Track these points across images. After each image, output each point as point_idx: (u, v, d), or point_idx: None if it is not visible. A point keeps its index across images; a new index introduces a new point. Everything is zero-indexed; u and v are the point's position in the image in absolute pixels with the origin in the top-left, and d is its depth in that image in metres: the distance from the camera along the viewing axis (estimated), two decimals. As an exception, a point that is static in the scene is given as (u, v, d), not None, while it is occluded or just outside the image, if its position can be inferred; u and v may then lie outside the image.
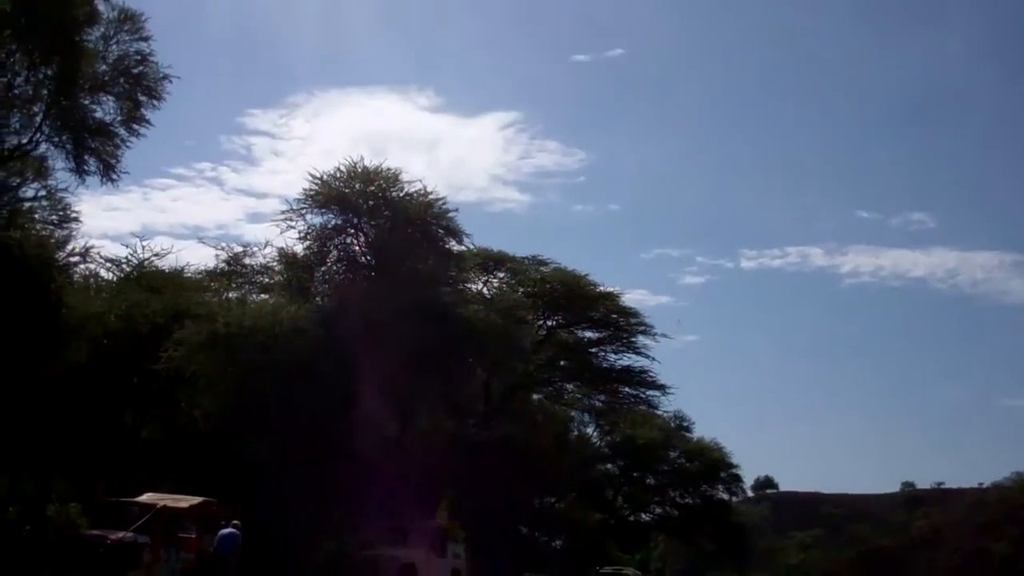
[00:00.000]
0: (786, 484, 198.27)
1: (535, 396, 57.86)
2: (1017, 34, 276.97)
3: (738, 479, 72.90)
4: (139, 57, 34.11)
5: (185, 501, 27.61)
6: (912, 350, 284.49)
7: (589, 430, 67.81)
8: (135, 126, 34.44)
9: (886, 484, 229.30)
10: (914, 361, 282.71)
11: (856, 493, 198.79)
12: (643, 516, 72.87)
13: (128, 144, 34.42)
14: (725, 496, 72.37)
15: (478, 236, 62.19)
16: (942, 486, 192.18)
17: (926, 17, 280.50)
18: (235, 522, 27.38)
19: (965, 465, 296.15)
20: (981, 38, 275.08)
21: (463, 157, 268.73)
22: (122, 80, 34.03)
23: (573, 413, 64.12)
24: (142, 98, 34.30)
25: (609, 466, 69.35)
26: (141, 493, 29.23)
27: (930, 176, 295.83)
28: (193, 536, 26.68)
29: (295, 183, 37.09)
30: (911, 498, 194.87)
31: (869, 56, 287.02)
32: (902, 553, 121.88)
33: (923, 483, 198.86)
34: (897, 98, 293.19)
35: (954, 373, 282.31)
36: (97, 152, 33.66)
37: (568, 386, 59.07)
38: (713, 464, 69.23)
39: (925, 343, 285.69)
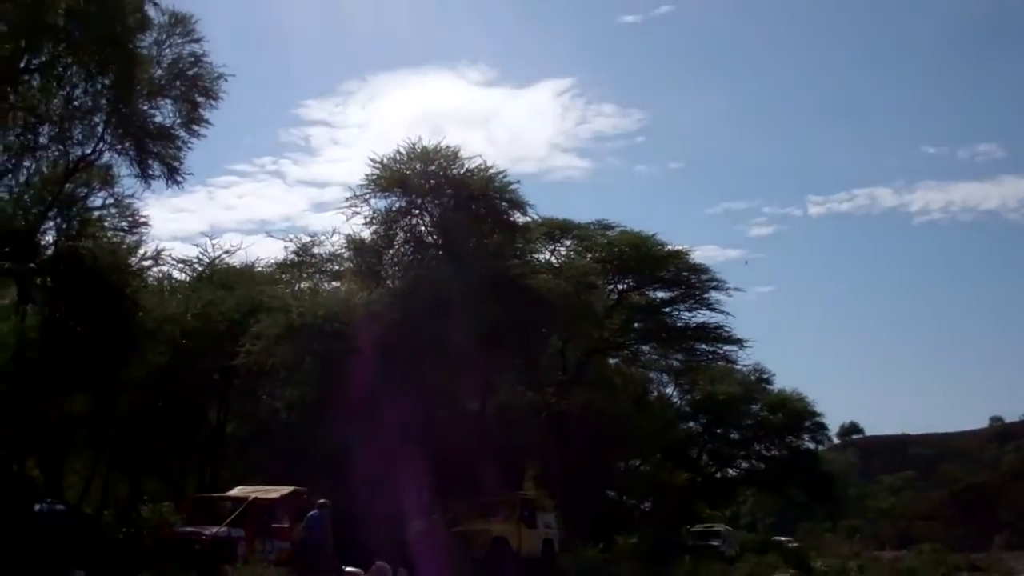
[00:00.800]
0: (872, 428, 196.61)
1: (611, 361, 57.72)
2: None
3: (823, 427, 72.15)
4: (193, 59, 34.46)
5: (275, 492, 28.03)
6: (988, 283, 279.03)
7: (668, 390, 67.51)
8: (195, 127, 34.83)
9: (974, 420, 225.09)
10: (991, 294, 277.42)
11: (944, 432, 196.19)
12: (730, 472, 72.40)
13: (189, 145, 34.85)
14: (811, 445, 71.68)
15: (541, 206, 62.18)
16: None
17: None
18: (321, 501, 27.66)
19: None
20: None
21: (520, 128, 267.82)
22: (178, 83, 34.39)
23: (651, 375, 63.89)
24: (199, 99, 34.64)
25: (692, 424, 68.99)
26: (231, 488, 29.71)
27: (995, 105, 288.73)
28: (286, 526, 27.00)
29: (356, 170, 37.67)
30: (1000, 432, 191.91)
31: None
32: (994, 488, 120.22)
33: (1011, 416, 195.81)
34: (950, 26, 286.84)
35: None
36: (160, 156, 34.07)
37: (644, 348, 58.79)
38: (796, 414, 68.55)
39: (1001, 275, 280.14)
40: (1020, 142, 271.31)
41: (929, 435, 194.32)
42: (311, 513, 27.24)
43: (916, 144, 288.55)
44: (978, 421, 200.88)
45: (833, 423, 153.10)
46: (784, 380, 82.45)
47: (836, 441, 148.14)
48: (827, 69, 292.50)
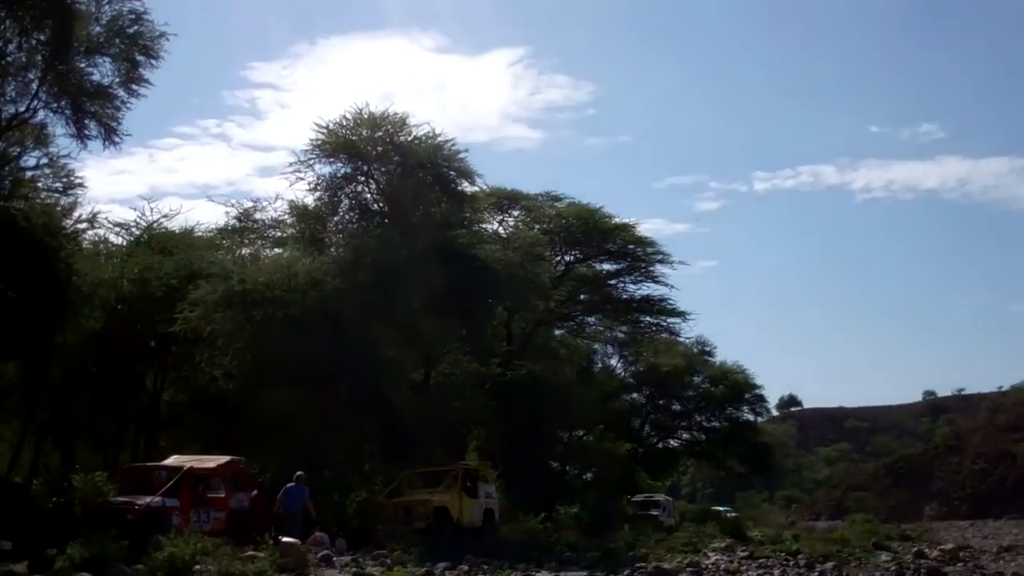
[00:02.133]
0: (810, 401, 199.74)
1: (557, 332, 57.77)
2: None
3: (762, 400, 72.96)
4: (133, 16, 33.31)
5: (212, 461, 27.52)
6: (927, 260, 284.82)
7: (613, 361, 68.03)
8: (134, 87, 33.72)
9: (908, 394, 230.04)
10: (929, 271, 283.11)
11: (879, 405, 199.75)
12: (671, 443, 73.04)
13: (128, 106, 33.81)
14: (750, 417, 72.40)
15: (491, 175, 61.89)
16: (962, 392, 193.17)
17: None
18: (299, 474, 27.51)
19: (984, 371, 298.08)
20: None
21: (472, 97, 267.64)
22: (117, 41, 33.28)
23: (596, 346, 64.27)
24: (139, 58, 33.54)
25: (635, 396, 69.47)
26: (166, 457, 29.14)
27: (937, 86, 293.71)
28: (223, 495, 26.57)
29: (303, 135, 37.01)
30: (933, 406, 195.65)
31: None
32: (926, 461, 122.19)
33: (944, 391, 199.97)
34: (899, 9, 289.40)
35: (969, 281, 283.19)
36: (97, 116, 33.09)
37: (589, 319, 59.00)
38: (737, 386, 69.15)
39: (939, 253, 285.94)
40: (961, 123, 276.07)
41: (865, 408, 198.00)
42: (288, 486, 27.45)
43: (860, 123, 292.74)
44: (912, 395, 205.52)
45: (772, 395, 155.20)
46: (725, 353, 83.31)
47: (775, 413, 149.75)
48: (776, 48, 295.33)
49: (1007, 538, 59.99)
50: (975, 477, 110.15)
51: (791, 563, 33.23)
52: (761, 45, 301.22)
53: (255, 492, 27.81)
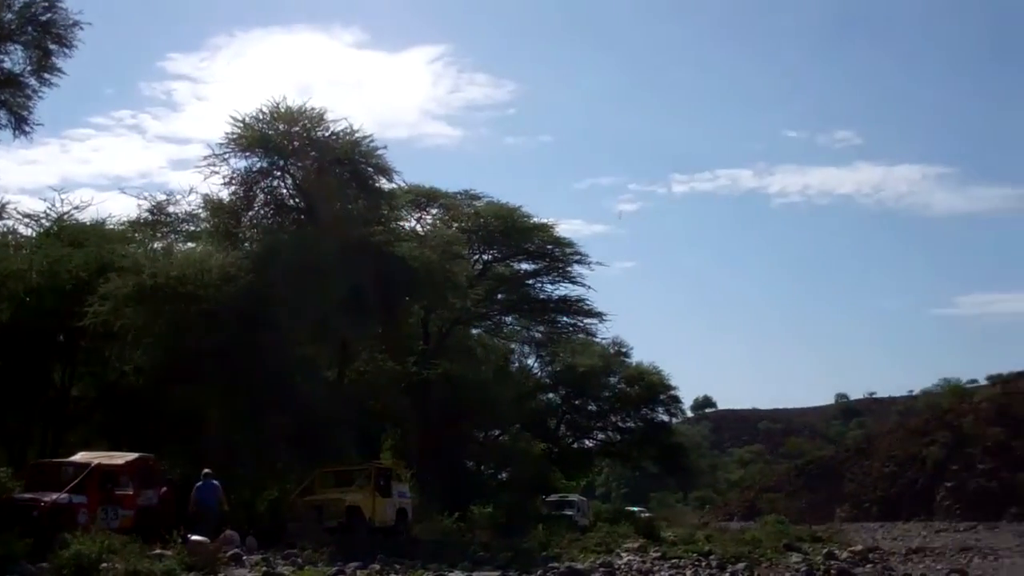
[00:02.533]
0: (724, 403, 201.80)
1: (474, 331, 57.72)
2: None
3: (677, 401, 73.66)
4: (46, 4, 32.72)
5: (120, 458, 27.13)
6: (841, 265, 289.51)
7: (530, 361, 68.11)
8: (46, 76, 33.17)
9: (821, 397, 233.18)
10: (843, 276, 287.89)
11: (792, 407, 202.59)
12: (586, 443, 73.38)
13: (40, 95, 33.26)
14: (665, 418, 72.99)
15: (410, 173, 61.74)
16: (874, 396, 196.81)
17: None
18: (207, 471, 27.33)
19: (896, 375, 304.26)
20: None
21: (391, 93, 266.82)
22: (29, 28, 32.66)
23: (513, 345, 64.32)
24: (52, 46, 32.97)
25: (551, 396, 69.71)
26: (74, 452, 28.67)
27: (853, 94, 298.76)
28: (131, 493, 26.19)
29: (219, 127, 36.59)
30: (845, 409, 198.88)
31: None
32: (838, 463, 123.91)
33: (856, 394, 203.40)
34: (817, 17, 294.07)
35: (882, 286, 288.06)
36: (7, 104, 32.51)
37: (507, 319, 59.02)
38: (652, 387, 69.69)
39: (853, 258, 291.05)
40: (876, 130, 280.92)
41: (778, 410, 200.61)
42: (199, 484, 27.52)
43: (778, 128, 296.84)
44: (825, 398, 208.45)
45: (687, 397, 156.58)
46: (642, 354, 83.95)
47: (690, 414, 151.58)
48: (695, 52, 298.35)
49: (916, 540, 61.41)
50: (885, 480, 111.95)
51: (703, 564, 33.67)
52: (680, 48, 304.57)
53: (164, 489, 27.46)
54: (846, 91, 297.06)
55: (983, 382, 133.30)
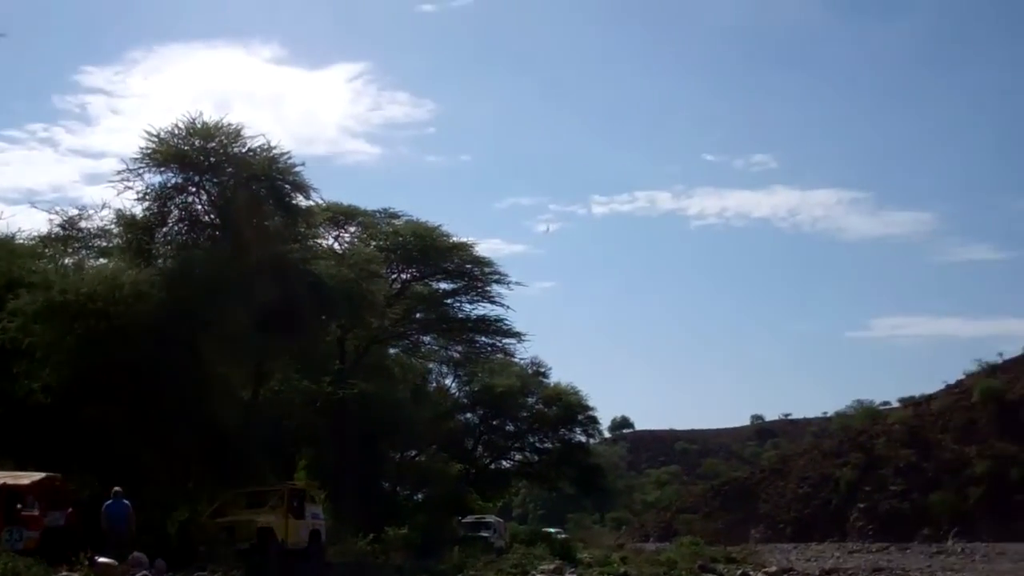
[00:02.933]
0: (642, 424, 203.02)
1: (391, 350, 57.43)
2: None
3: (595, 421, 73.69)
4: (-46, 13, 32.09)
5: (26, 478, 26.64)
6: (758, 287, 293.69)
7: (448, 381, 67.88)
8: (-45, 86, 32.51)
9: (737, 418, 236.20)
10: (760, 298, 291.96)
11: (709, 428, 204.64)
12: (503, 463, 73.23)
13: (-53, 107, 32.52)
14: (583, 439, 73.03)
15: (329, 190, 61.22)
16: (789, 417, 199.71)
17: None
18: (117, 489, 26.81)
19: (810, 396, 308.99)
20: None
21: (311, 110, 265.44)
22: (-63, 39, 32.00)
23: (431, 365, 64.00)
24: (-40, 56, 32.33)
25: (468, 416, 69.47)
26: (-21, 472, 27.99)
27: (770, 118, 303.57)
28: (36, 514, 25.68)
29: (135, 142, 36.09)
30: (760, 430, 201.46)
31: (710, 4, 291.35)
32: (753, 484, 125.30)
33: (772, 415, 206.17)
34: (734, 44, 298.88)
35: (798, 308, 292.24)
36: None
37: (425, 338, 58.76)
38: (570, 408, 69.80)
39: (769, 280, 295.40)
40: (792, 155, 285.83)
41: (695, 431, 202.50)
42: (108, 502, 27.00)
43: (696, 152, 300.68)
44: (740, 419, 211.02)
45: (605, 417, 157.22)
46: (560, 374, 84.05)
47: (607, 435, 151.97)
48: (614, 74, 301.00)
49: (829, 561, 62.25)
50: (799, 501, 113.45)
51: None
52: (599, 71, 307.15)
53: (71, 510, 26.94)
54: (763, 116, 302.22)
55: (895, 404, 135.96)
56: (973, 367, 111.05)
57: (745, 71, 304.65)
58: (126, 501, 27.33)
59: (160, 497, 32.58)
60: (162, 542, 29.63)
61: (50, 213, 42.24)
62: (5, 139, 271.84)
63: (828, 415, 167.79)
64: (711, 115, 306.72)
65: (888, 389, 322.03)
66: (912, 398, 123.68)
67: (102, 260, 38.77)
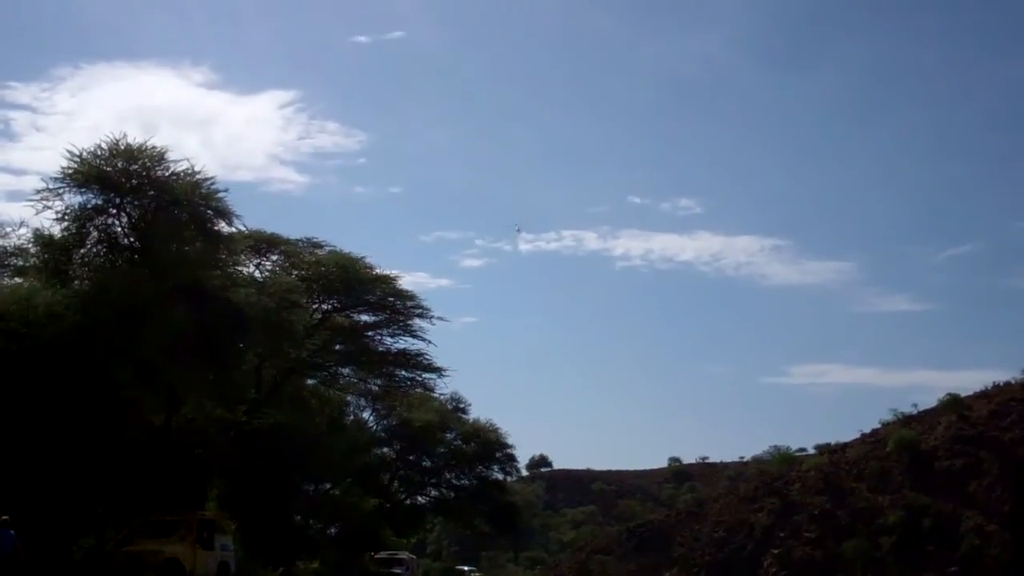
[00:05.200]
0: (560, 462, 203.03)
1: (309, 381, 56.87)
2: (772, 27, 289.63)
3: (513, 459, 73.81)
4: None
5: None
6: (679, 330, 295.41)
7: (365, 414, 67.41)
8: None
9: (654, 460, 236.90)
10: (681, 341, 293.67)
11: (626, 469, 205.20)
12: (419, 499, 72.90)
13: None
14: (500, 476, 73.07)
15: (254, 217, 60.94)
16: (706, 460, 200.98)
17: (686, 13, 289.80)
18: (4, 518, 26.09)
19: (728, 440, 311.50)
20: (736, 32, 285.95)
21: (239, 136, 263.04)
22: None
23: (349, 397, 63.49)
24: None
25: (385, 450, 69.05)
26: None
27: (696, 164, 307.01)
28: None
29: (58, 160, 35.53)
30: (678, 473, 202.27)
31: (637, 48, 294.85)
32: (669, 526, 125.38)
33: (689, 458, 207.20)
34: (663, 90, 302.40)
35: (718, 352, 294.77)
36: None
37: (344, 370, 58.28)
38: (489, 445, 69.79)
39: (692, 323, 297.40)
40: (716, 201, 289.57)
41: (612, 471, 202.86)
42: None
43: (623, 194, 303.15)
44: (658, 461, 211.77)
45: (523, 455, 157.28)
46: (479, 410, 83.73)
47: (525, 473, 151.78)
48: (546, 113, 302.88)
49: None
50: (714, 545, 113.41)
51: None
52: (531, 109, 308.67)
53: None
54: (689, 161, 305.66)
55: (811, 451, 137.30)
56: (888, 417, 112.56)
57: (673, 117, 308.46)
58: (11, 532, 26.58)
59: (66, 523, 31.87)
60: (66, 570, 29.02)
61: (-34, 229, 41.41)
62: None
63: (745, 459, 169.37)
64: (638, 158, 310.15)
65: (804, 436, 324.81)
66: (828, 445, 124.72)
67: (17, 279, 38.01)
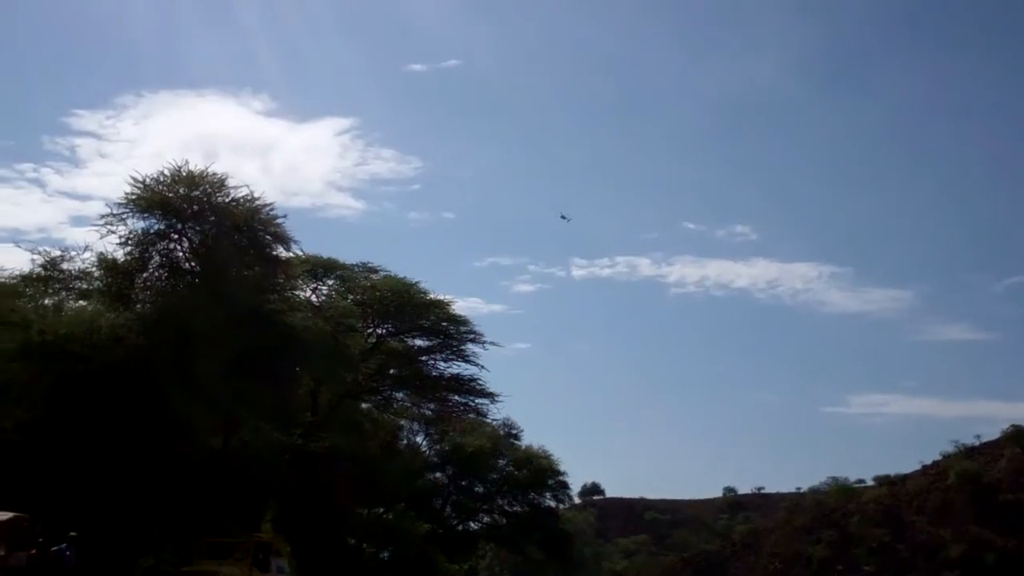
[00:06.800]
0: (612, 490, 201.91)
1: (364, 405, 57.32)
2: (827, 52, 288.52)
3: (565, 486, 73.38)
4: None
5: (-6, 517, 26.48)
6: (735, 358, 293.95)
7: (419, 439, 67.52)
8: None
9: (709, 490, 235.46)
10: (736, 369, 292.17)
11: (680, 499, 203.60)
12: (471, 525, 72.60)
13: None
14: (552, 503, 72.68)
15: (312, 242, 61.63)
16: (762, 491, 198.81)
17: (738, 39, 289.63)
18: (72, 534, 26.71)
19: (784, 470, 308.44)
20: (796, 60, 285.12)
21: (298, 162, 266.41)
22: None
23: (402, 422, 63.79)
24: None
25: (438, 475, 69.04)
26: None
27: (752, 190, 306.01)
28: (1, 554, 25.54)
29: (122, 186, 36.43)
30: (732, 503, 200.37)
31: (695, 76, 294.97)
32: (723, 558, 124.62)
33: (744, 488, 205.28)
34: (720, 117, 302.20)
35: (774, 381, 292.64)
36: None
37: (398, 395, 58.62)
38: (541, 472, 69.53)
39: (747, 351, 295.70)
40: (773, 227, 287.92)
41: (666, 501, 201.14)
42: (59, 548, 26.94)
43: (678, 220, 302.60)
44: (712, 491, 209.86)
45: (576, 482, 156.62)
46: (532, 437, 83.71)
47: (577, 500, 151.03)
48: (600, 139, 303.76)
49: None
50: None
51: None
52: (585, 136, 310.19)
53: (33, 551, 26.82)
54: (745, 187, 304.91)
55: (870, 483, 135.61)
56: (950, 448, 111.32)
57: (727, 143, 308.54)
58: (68, 549, 27.19)
59: (127, 542, 32.42)
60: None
61: (33, 253, 42.35)
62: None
63: (801, 490, 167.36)
64: (693, 184, 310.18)
65: (863, 467, 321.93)
66: (887, 477, 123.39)
67: (81, 302, 38.87)
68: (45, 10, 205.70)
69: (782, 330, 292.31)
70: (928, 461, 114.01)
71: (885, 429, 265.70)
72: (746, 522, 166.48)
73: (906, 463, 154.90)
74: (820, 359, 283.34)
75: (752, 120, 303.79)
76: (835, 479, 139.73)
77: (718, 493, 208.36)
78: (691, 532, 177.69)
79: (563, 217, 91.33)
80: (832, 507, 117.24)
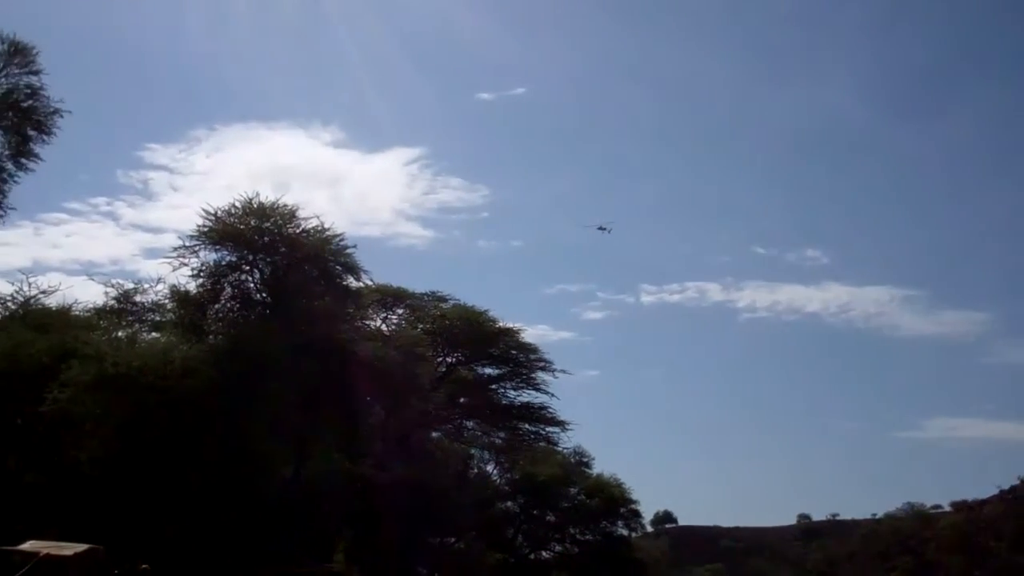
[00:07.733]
0: (685, 518, 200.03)
1: (434, 434, 57.37)
2: (898, 75, 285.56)
3: (637, 515, 72.76)
4: (29, 91, 33.41)
5: (69, 549, 26.65)
6: (807, 383, 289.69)
7: (489, 468, 67.32)
8: (23, 160, 33.60)
9: (783, 517, 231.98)
10: (809, 394, 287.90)
11: (754, 526, 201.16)
12: (543, 554, 72.18)
13: (16, 179, 33.61)
14: (624, 532, 72.05)
15: (382, 271, 62.01)
16: (837, 518, 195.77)
17: (811, 63, 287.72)
18: (144, 567, 26.94)
19: (859, 497, 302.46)
20: (863, 83, 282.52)
21: (367, 192, 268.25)
22: (10, 114, 33.18)
23: (473, 450, 63.70)
24: (31, 132, 33.49)
25: (509, 504, 68.75)
26: (23, 541, 28.21)
27: (822, 214, 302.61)
28: (77, 584, 25.73)
29: (194, 219, 37.10)
30: (807, 530, 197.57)
31: (761, 100, 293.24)
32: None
33: (819, 515, 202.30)
34: (788, 140, 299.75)
35: (848, 406, 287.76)
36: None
37: (468, 423, 58.68)
38: (612, 500, 69.01)
39: (820, 376, 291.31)
40: (844, 251, 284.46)
41: (740, 528, 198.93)
42: None
43: (747, 244, 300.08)
44: (786, 518, 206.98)
45: (648, 510, 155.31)
46: (603, 465, 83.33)
47: (649, 529, 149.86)
48: (667, 163, 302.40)
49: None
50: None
51: None
52: (652, 161, 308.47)
53: (110, 583, 27.04)
54: (815, 211, 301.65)
55: (947, 508, 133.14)
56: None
57: (796, 167, 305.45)
58: None
59: (198, 572, 32.59)
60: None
61: (106, 286, 43.02)
62: (68, 211, 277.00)
63: (877, 516, 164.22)
64: (762, 208, 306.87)
65: (939, 492, 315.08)
66: (964, 502, 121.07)
67: (154, 334, 39.33)
68: (119, 46, 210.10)
69: (855, 354, 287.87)
70: (1006, 486, 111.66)
71: (961, 453, 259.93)
72: (821, 549, 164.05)
73: (983, 488, 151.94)
74: (894, 383, 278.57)
75: (822, 143, 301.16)
76: (911, 505, 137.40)
77: (792, 520, 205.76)
78: (766, 560, 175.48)
79: (602, 228, 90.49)
80: (908, 533, 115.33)
